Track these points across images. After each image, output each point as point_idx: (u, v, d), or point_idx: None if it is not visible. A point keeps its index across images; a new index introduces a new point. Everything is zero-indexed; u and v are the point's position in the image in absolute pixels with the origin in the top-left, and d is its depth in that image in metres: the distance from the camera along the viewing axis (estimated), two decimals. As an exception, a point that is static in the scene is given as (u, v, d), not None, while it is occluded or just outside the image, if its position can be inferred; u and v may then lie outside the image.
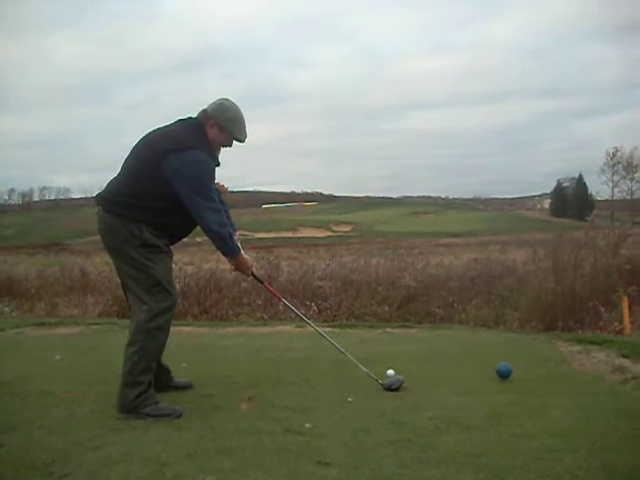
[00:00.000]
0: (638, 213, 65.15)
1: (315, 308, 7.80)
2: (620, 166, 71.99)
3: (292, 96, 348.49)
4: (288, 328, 5.42)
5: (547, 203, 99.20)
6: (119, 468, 2.19)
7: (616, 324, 6.21)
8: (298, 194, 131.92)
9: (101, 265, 11.07)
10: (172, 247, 3.09)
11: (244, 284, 8.28)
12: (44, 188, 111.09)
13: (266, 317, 7.38)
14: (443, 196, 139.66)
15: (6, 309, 8.39)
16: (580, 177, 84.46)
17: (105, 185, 3.06)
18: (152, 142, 2.95)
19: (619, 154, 71.57)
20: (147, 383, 2.85)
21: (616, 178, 72.45)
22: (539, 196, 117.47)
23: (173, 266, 3.26)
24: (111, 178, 3.06)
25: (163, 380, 3.17)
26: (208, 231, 2.91)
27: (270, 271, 9.00)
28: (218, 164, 3.04)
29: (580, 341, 4.45)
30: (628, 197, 72.91)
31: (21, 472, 2.18)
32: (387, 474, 2.13)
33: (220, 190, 3.19)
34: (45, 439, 2.51)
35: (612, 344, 4.21)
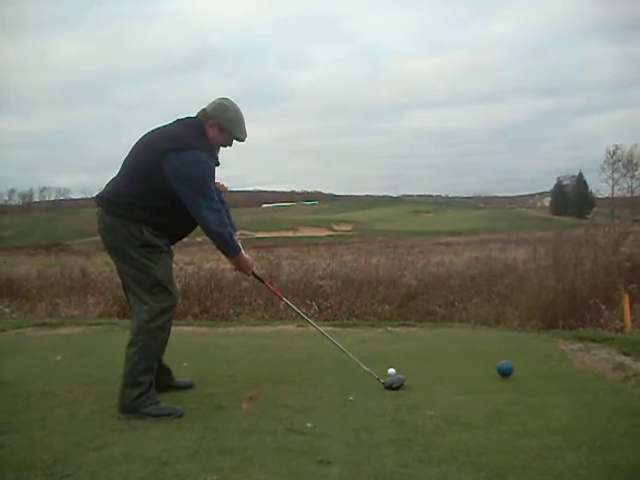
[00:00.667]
0: (638, 211, 65.13)
1: (316, 307, 7.82)
2: (620, 164, 72.04)
3: (292, 96, 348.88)
4: (289, 327, 5.42)
5: (547, 201, 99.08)
6: (120, 468, 2.20)
7: (617, 322, 6.21)
8: (298, 193, 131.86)
9: (101, 265, 11.10)
10: (172, 247, 3.09)
11: (245, 283, 8.29)
12: (44, 188, 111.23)
13: (267, 316, 7.39)
14: (443, 195, 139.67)
15: (7, 310, 8.40)
16: (580, 175, 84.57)
17: (104, 185, 3.07)
18: (151, 142, 2.94)
19: (619, 152, 71.65)
20: (148, 383, 2.85)
21: (616, 176, 72.47)
22: (539, 194, 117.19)
23: (173, 266, 3.26)
24: (111, 178, 3.06)
25: (164, 380, 3.17)
26: (208, 231, 2.91)
27: (271, 270, 9.02)
28: (218, 164, 3.04)
29: (581, 339, 4.44)
30: (628, 195, 72.78)
31: (23, 473, 2.18)
32: (388, 473, 2.13)
33: (220, 190, 3.19)
34: (46, 440, 2.51)
35: (613, 342, 4.21)
